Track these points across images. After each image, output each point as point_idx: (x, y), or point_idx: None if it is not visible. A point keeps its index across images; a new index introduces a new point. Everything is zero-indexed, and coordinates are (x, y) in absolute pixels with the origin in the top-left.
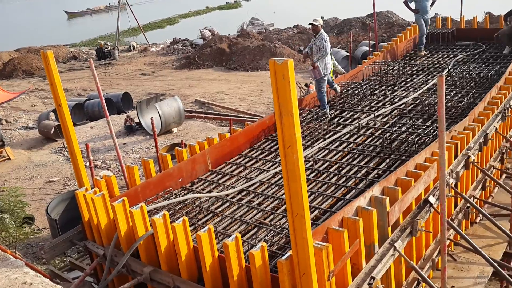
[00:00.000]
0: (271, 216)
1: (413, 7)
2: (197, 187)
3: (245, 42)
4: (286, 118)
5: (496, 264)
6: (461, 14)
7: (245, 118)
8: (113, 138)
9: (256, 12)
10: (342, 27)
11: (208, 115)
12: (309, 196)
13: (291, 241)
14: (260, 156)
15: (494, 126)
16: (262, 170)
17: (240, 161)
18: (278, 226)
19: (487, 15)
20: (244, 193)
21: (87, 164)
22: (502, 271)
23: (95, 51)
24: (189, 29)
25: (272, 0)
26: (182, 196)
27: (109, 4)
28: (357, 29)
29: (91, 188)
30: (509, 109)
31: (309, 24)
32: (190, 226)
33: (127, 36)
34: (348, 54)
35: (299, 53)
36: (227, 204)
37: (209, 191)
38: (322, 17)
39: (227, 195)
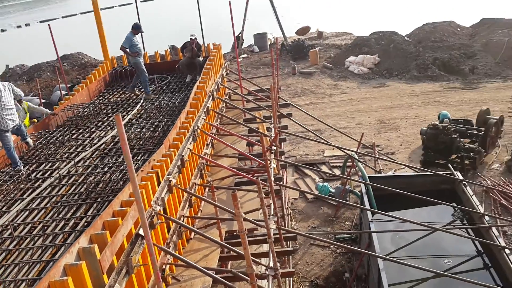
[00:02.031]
0: None
1: (130, 51)
2: None
3: None
4: None
5: (211, 272)
6: (144, 50)
7: None
8: None
9: None
10: (32, 73)
11: None
12: (12, 269)
13: None
14: None
15: (188, 148)
16: None
17: None
18: None
19: (168, 49)
20: None
21: None
22: (217, 276)
23: None
24: None
25: None
26: None
27: None
28: (48, 73)
29: None
30: (198, 130)
31: None
32: None
33: None
34: (44, 101)
35: None
36: None
37: None
38: (7, 65)
39: None
